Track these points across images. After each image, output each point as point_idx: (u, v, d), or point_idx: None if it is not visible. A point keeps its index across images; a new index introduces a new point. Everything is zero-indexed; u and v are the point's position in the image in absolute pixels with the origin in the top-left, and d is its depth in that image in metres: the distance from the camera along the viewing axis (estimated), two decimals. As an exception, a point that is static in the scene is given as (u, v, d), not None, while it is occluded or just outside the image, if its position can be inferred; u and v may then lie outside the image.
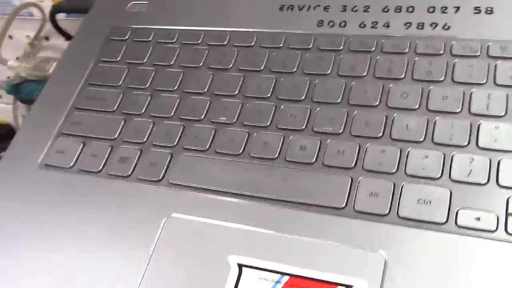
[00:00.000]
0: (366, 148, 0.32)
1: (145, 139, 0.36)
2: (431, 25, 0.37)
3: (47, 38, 0.60)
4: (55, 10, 0.54)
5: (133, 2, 0.46)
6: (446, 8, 0.37)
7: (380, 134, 0.32)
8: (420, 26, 0.37)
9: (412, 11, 0.38)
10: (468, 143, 0.30)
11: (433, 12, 0.37)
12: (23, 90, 0.54)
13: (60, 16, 0.55)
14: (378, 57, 0.36)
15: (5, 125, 0.59)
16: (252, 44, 0.39)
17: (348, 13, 0.39)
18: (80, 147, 0.37)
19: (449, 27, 0.36)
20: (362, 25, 0.38)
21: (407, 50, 0.36)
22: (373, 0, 0.39)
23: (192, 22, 0.43)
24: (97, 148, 0.36)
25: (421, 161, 0.30)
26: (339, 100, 0.34)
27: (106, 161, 0.36)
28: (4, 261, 0.32)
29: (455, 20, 0.36)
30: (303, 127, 0.34)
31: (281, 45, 0.39)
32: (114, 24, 0.45)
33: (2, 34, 0.56)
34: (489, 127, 0.31)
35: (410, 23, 0.37)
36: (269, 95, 0.36)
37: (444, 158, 0.30)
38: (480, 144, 0.30)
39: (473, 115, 0.31)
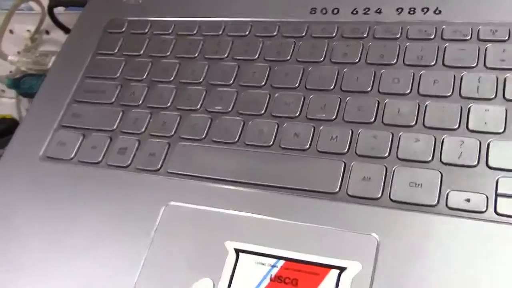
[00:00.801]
0: (358, 134, 0.32)
1: (143, 130, 0.37)
2: (422, 10, 0.37)
3: (47, 32, 0.60)
4: (53, 3, 0.54)
5: (129, -5, 0.46)
6: (438, -8, 0.37)
7: (373, 119, 0.33)
8: (412, 11, 0.37)
9: (404, -4, 0.38)
10: (459, 126, 0.31)
11: (424, -4, 0.37)
12: (24, 85, 0.55)
13: (59, 10, 0.55)
14: (370, 43, 0.36)
15: (9, 119, 0.60)
16: (247, 33, 0.40)
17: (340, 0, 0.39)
18: (80, 139, 0.38)
19: (440, 12, 0.36)
20: (354, 12, 0.38)
21: (398, 36, 0.36)
22: (366, -14, 0.39)
23: (188, 13, 0.43)
24: (97, 139, 0.37)
25: (412, 145, 0.31)
26: (332, 87, 0.35)
27: (105, 152, 0.36)
28: (8, 251, 0.33)
29: (446, 4, 0.37)
30: (297, 114, 0.34)
31: (275, 33, 0.39)
32: (111, 17, 0.45)
33: (2, 29, 0.57)
34: (479, 110, 0.31)
35: (402, 8, 0.37)
36: (263, 83, 0.37)
37: (435, 141, 0.31)
38: (470, 127, 0.31)
39: (464, 99, 0.32)
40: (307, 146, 0.33)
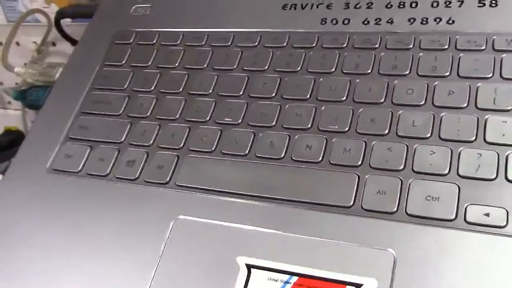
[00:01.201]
0: (372, 146, 0.32)
1: (151, 142, 0.36)
2: (435, 19, 0.36)
3: (53, 44, 0.60)
4: (59, 15, 0.54)
5: (137, 6, 0.46)
6: (450, 2, 0.37)
7: (386, 131, 0.32)
8: (424, 21, 0.36)
9: (415, 6, 0.37)
10: (476, 138, 0.30)
11: (437, 6, 0.37)
12: (30, 96, 0.55)
13: (66, 22, 0.55)
14: (382, 53, 0.36)
15: (15, 131, 0.60)
16: (256, 44, 0.39)
17: (351, 10, 0.39)
18: (88, 151, 0.37)
19: (453, 21, 0.36)
20: (365, 22, 0.38)
21: (411, 46, 0.35)
22: (377, -4, 0.39)
23: (196, 24, 0.43)
24: (104, 152, 0.37)
25: (428, 158, 0.30)
26: (344, 98, 0.34)
27: (113, 164, 0.36)
28: (15, 263, 0.33)
29: (459, 14, 0.36)
30: (309, 126, 0.34)
31: (284, 44, 0.39)
32: (119, 28, 0.45)
33: (8, 41, 0.57)
34: (497, 122, 0.30)
35: (414, 18, 0.37)
36: (274, 94, 0.36)
37: (451, 154, 0.30)
38: (487, 138, 0.30)
39: (480, 110, 0.31)
40: (320, 159, 0.32)
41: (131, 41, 0.43)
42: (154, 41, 0.43)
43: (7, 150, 0.53)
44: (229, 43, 0.40)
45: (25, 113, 0.60)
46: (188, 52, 0.41)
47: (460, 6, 0.36)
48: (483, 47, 0.34)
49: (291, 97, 0.35)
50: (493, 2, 0.36)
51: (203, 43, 0.41)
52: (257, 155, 0.33)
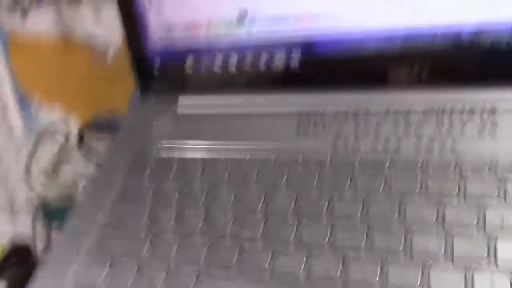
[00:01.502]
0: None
1: (170, 259, 0.37)
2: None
3: (73, 158, 0.61)
4: (82, 131, 0.57)
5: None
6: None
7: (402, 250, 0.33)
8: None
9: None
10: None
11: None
12: (49, 212, 0.56)
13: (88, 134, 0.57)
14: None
15: (23, 248, 0.59)
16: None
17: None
18: (108, 267, 0.38)
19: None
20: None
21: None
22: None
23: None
24: (124, 268, 0.37)
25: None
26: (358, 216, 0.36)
27: (133, 281, 0.36)
28: None
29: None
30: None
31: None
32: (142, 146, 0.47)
33: (29, 155, 0.58)
34: None
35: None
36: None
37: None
38: None
39: None
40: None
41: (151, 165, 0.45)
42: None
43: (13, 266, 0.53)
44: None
45: (35, 229, 0.59)
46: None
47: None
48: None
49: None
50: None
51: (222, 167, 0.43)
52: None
